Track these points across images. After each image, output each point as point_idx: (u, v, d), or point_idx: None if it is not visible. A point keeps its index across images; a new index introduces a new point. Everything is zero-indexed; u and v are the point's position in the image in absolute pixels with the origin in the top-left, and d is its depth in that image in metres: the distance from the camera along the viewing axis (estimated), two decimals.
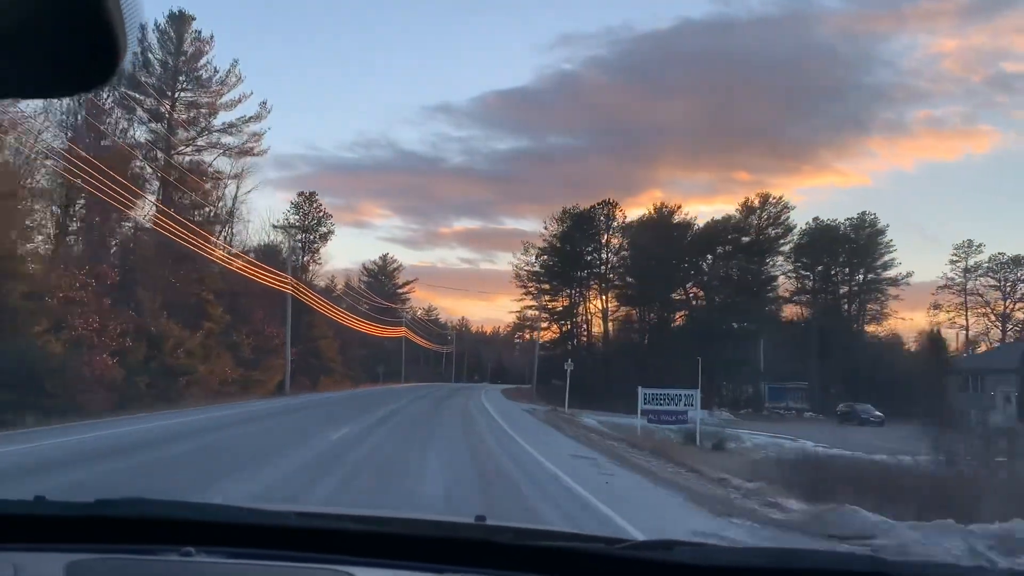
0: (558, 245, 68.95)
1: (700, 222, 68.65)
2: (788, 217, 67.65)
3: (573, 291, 70.39)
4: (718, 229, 66.91)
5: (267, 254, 50.65)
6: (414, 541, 1.88)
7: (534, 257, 71.97)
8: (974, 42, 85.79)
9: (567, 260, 66.70)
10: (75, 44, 0.94)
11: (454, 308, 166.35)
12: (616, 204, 68.15)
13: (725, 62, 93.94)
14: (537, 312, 74.29)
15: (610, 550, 1.81)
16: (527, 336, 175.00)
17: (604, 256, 69.24)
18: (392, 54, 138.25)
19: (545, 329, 75.63)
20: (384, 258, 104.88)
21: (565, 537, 2.10)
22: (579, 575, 1.72)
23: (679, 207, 68.57)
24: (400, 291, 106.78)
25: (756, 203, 67.28)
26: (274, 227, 60.04)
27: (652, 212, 67.93)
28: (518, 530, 2.11)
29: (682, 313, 68.38)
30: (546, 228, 70.54)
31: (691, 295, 68.38)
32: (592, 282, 69.65)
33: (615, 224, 68.07)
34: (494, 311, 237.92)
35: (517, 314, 73.34)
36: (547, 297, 72.32)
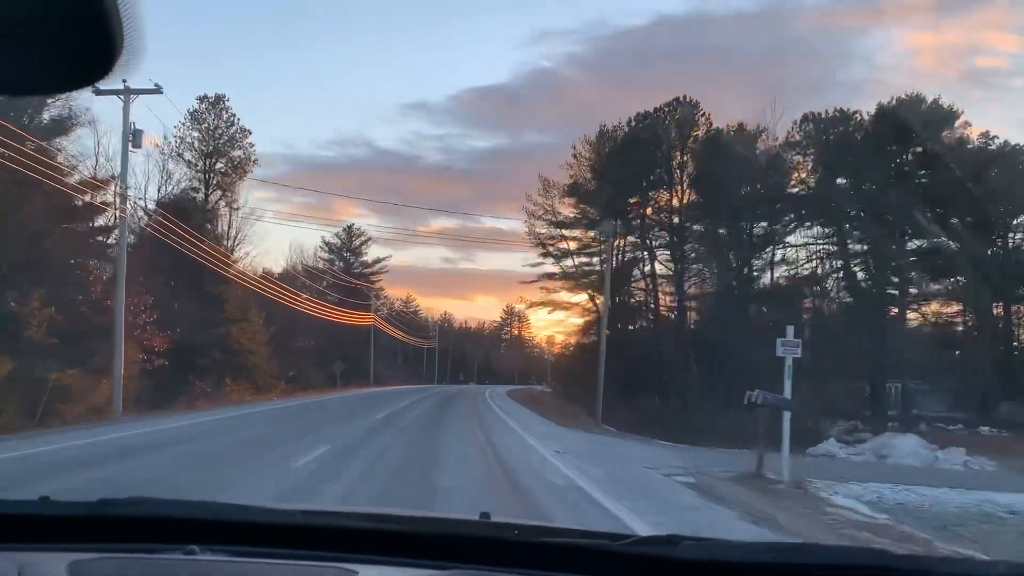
0: (592, 181, 45.31)
1: None
2: None
3: (621, 247, 46.16)
4: None
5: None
6: (419, 538, 1.87)
7: (555, 200, 48.07)
8: (949, 38, 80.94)
9: (610, 200, 42.61)
10: (73, 38, 0.94)
11: (435, 307, 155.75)
12: (697, 104, 43.68)
13: (702, 59, 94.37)
14: (560, 281, 51.37)
15: (614, 546, 1.79)
16: (516, 330, 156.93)
17: (675, 192, 44.49)
18: (368, 51, 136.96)
19: (567, 307, 54.04)
20: (349, 230, 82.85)
21: (569, 533, 2.10)
22: (584, 571, 1.70)
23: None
24: (370, 272, 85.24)
25: None
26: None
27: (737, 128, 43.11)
28: (523, 527, 2.03)
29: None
30: (576, 157, 47.17)
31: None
32: (654, 233, 46.07)
33: (695, 136, 43.24)
34: (476, 311, 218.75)
35: (537, 283, 49.02)
36: (575, 261, 49.90)
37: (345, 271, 77.54)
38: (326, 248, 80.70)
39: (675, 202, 44.30)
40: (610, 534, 1.99)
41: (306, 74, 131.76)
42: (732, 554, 1.77)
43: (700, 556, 1.69)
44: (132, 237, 28.76)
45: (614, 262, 41.37)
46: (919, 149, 42.22)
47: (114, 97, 23.40)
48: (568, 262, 49.71)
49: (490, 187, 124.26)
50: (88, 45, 0.95)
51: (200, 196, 40.75)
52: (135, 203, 29.68)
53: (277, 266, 59.92)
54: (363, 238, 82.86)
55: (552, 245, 49.29)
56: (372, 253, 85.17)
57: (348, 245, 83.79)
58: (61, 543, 1.78)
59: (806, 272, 47.10)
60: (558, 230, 48.62)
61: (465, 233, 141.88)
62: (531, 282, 52.63)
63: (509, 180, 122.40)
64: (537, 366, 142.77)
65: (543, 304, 55.30)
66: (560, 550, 1.81)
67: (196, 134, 42.17)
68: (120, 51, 0.95)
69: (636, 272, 47.93)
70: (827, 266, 47.38)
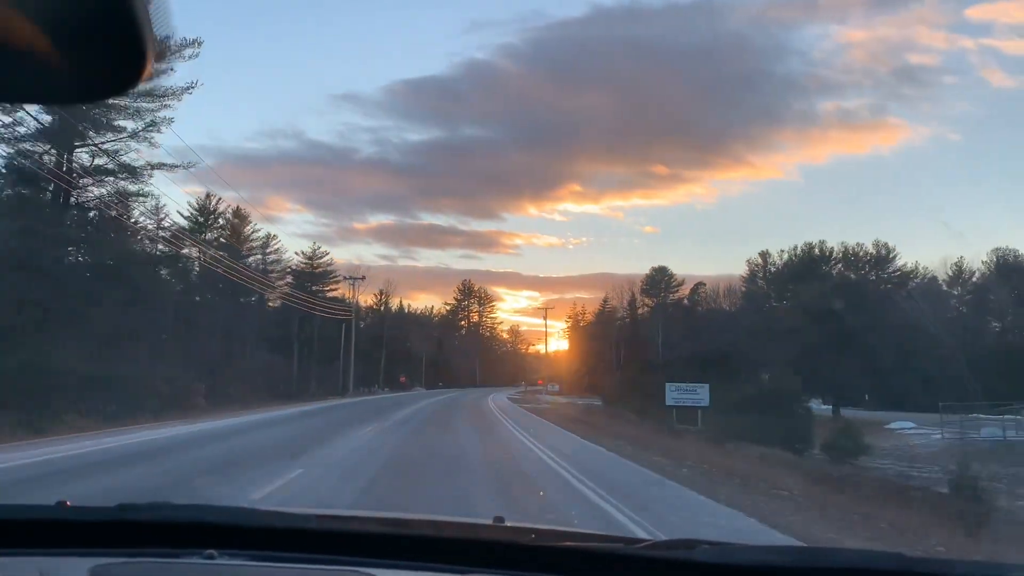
0: None
1: None
2: None
3: None
4: None
5: None
6: (434, 542, 1.88)
7: None
8: (881, 33, 79.93)
9: None
10: (101, 48, 0.95)
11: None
12: None
13: (638, 52, 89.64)
14: None
15: (630, 550, 1.80)
16: (475, 316, 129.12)
17: None
18: (295, 38, 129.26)
19: None
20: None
21: (585, 537, 2.09)
22: (599, 574, 1.70)
23: None
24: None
25: None
26: None
27: None
28: (538, 531, 2.05)
29: None
30: None
31: None
32: None
33: None
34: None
35: None
36: None
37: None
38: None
39: None
40: (626, 538, 2.08)
41: (229, 60, 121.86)
42: (749, 558, 1.75)
43: (717, 560, 1.68)
44: None
45: None
46: None
47: None
48: None
49: (428, 182, 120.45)
50: (120, 51, 0.94)
51: None
52: None
53: None
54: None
55: None
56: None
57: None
58: (81, 548, 1.79)
59: None
60: None
61: (402, 230, 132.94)
62: None
63: (447, 175, 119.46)
64: (512, 363, 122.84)
65: None
66: (576, 554, 1.80)
67: None
68: (150, 57, 0.94)
69: None
70: None
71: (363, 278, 62.32)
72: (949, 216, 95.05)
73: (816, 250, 73.13)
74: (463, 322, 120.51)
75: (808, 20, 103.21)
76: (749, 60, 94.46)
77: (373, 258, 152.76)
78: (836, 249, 73.29)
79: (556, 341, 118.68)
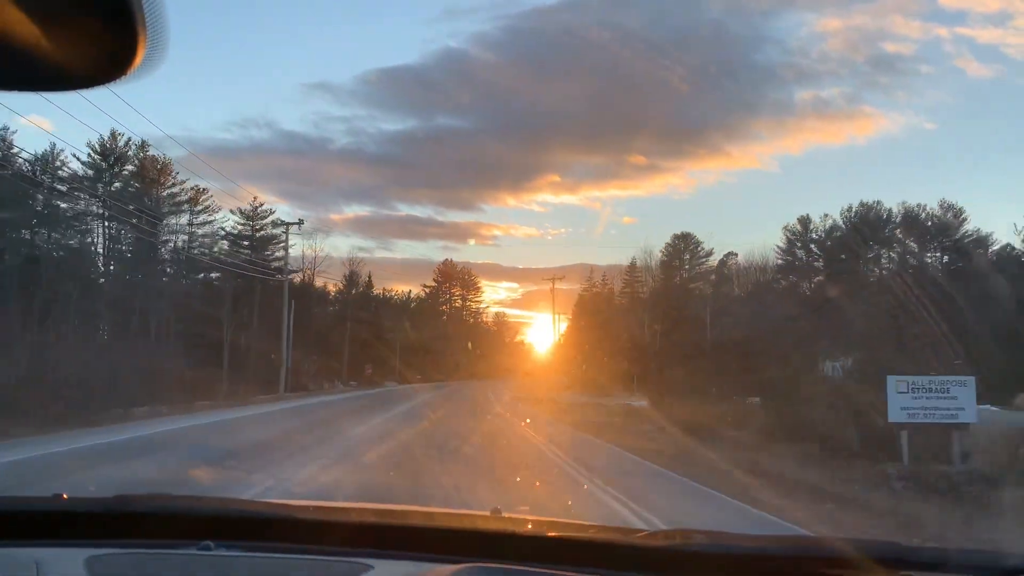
0: None
1: None
2: None
3: None
4: None
5: None
6: (432, 533, 1.87)
7: None
8: (857, 21, 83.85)
9: None
10: (96, 35, 0.94)
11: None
12: None
13: (615, 40, 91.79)
14: None
15: (628, 539, 1.80)
16: (457, 301, 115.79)
17: None
18: (265, 26, 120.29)
19: None
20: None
21: (582, 528, 2.04)
22: (597, 564, 1.69)
23: None
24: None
25: None
26: None
27: None
28: (535, 521, 2.05)
29: None
30: None
31: None
32: None
33: None
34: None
35: None
36: None
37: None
38: None
39: None
40: (623, 528, 2.20)
41: (198, 49, 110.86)
42: (745, 547, 1.73)
43: (713, 549, 1.67)
44: None
45: None
46: None
47: None
48: None
49: (404, 173, 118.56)
50: (114, 38, 0.93)
51: None
52: None
53: None
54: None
55: None
56: None
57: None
58: (79, 539, 1.78)
59: None
60: None
61: (378, 221, 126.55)
62: None
63: (423, 166, 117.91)
64: (500, 353, 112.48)
65: None
66: (573, 544, 1.80)
67: None
68: (145, 45, 0.93)
69: None
70: None
71: (301, 222, 48.25)
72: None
73: (872, 212, 60.41)
74: (444, 307, 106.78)
75: (785, 8, 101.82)
76: (727, 49, 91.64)
77: (351, 250, 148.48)
78: (895, 210, 60.70)
79: (540, 334, 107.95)
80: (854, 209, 60.24)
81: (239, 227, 55.19)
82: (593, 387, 48.27)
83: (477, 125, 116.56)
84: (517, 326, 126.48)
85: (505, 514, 2.05)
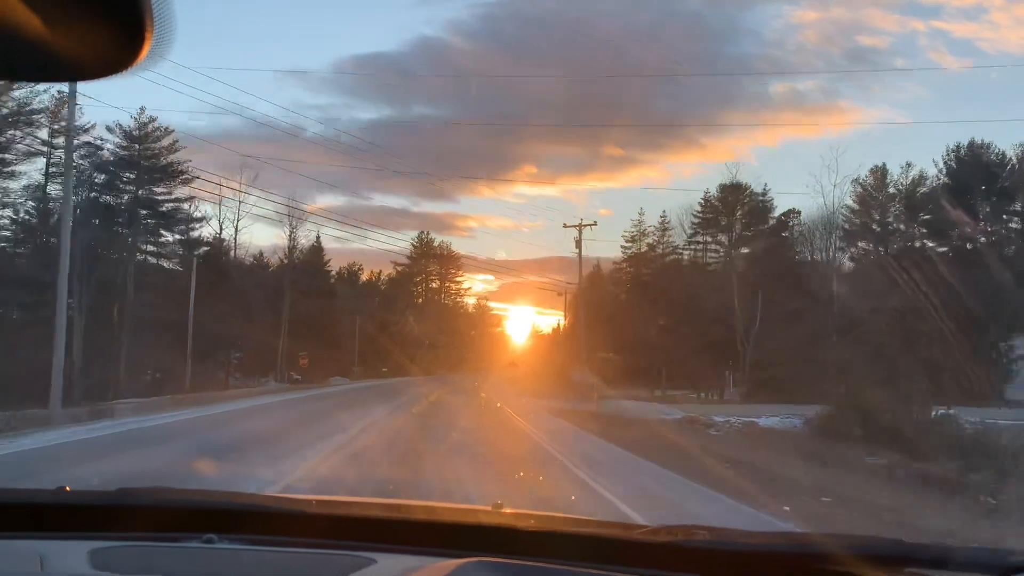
0: None
1: None
2: None
3: None
4: None
5: None
6: (435, 527, 1.87)
7: None
8: (833, 14, 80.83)
9: None
10: (102, 24, 0.94)
11: None
12: None
13: (591, 31, 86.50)
14: None
15: (629, 535, 1.80)
16: (434, 282, 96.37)
17: None
18: (237, 11, 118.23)
19: None
20: None
21: (583, 523, 2.06)
22: (598, 560, 1.67)
23: None
24: None
25: None
26: None
27: None
28: (537, 516, 2.03)
29: None
30: None
31: None
32: None
33: None
34: None
35: None
36: None
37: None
38: None
39: None
40: (625, 524, 2.11)
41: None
42: (747, 543, 1.73)
43: (715, 545, 1.66)
44: None
45: None
46: None
47: None
48: None
49: (379, 162, 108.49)
50: (123, 29, 0.93)
51: None
52: None
53: None
54: None
55: None
56: None
57: None
58: (82, 532, 1.78)
59: None
60: None
61: (354, 211, 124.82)
62: None
63: (399, 155, 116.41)
64: (483, 342, 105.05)
65: None
66: (575, 539, 1.79)
67: None
68: (151, 36, 0.94)
69: None
70: None
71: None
72: None
73: (984, 155, 45.54)
74: (419, 288, 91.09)
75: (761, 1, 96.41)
76: (704, 40, 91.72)
77: (326, 240, 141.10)
78: (1009, 154, 45.85)
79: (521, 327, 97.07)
80: (962, 150, 45.25)
81: (118, 147, 38.88)
82: (623, 383, 33.84)
83: (453, 114, 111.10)
84: (497, 320, 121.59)
85: (506, 509, 2.03)
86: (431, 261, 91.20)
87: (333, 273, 70.11)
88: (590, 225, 41.96)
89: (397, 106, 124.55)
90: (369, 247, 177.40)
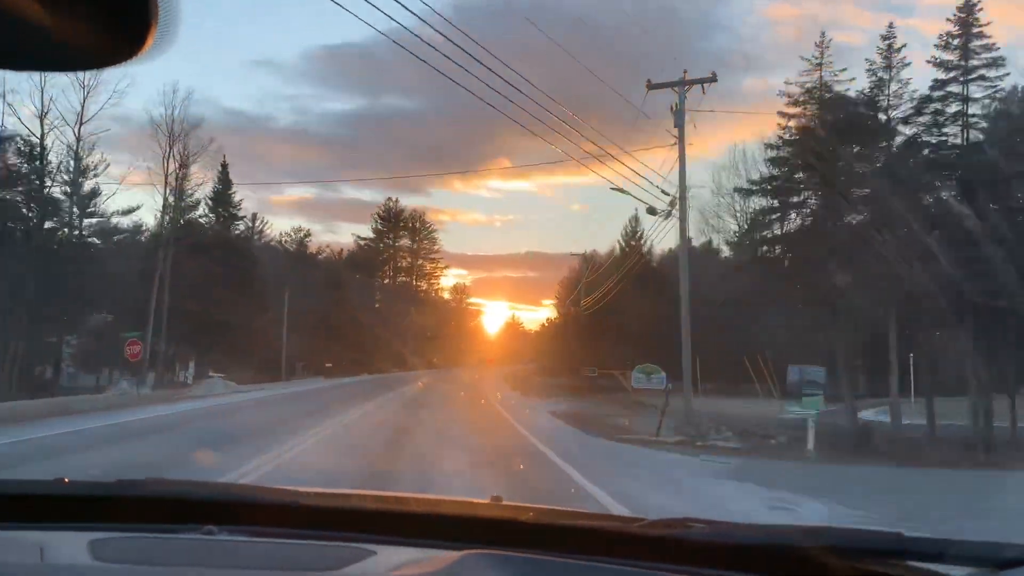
0: None
1: None
2: None
3: None
4: None
5: None
6: (434, 520, 1.88)
7: None
8: (808, 9, 77.63)
9: None
10: (105, 13, 0.94)
11: None
12: None
13: (564, 22, 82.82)
14: None
15: (628, 528, 1.81)
16: (404, 259, 74.76)
17: None
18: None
19: None
20: None
21: (582, 516, 2.07)
22: (597, 552, 1.69)
23: None
24: None
25: None
26: None
27: None
28: (536, 509, 2.05)
29: None
30: None
31: None
32: None
33: None
34: None
35: None
36: None
37: None
38: None
39: None
40: (623, 517, 2.12)
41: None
42: (746, 536, 1.75)
43: (713, 538, 1.68)
44: None
45: None
46: None
47: None
48: None
49: (351, 154, 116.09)
50: (127, 19, 0.93)
51: None
52: None
53: None
54: None
55: None
56: None
57: None
58: (81, 523, 1.78)
59: None
60: None
61: (324, 203, 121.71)
62: None
63: (370, 147, 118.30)
64: (463, 334, 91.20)
65: None
66: (573, 532, 1.80)
67: None
68: (156, 24, 0.93)
69: None
70: None
71: None
72: None
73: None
74: (386, 267, 74.73)
75: None
76: (678, 33, 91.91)
77: (293, 233, 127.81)
78: None
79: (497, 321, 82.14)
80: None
81: None
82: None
83: (425, 106, 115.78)
84: (475, 314, 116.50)
85: (505, 502, 2.05)
86: (401, 233, 75.10)
87: (253, 227, 54.06)
88: (708, 81, 23.36)
89: (369, 97, 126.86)
90: (341, 240, 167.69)
